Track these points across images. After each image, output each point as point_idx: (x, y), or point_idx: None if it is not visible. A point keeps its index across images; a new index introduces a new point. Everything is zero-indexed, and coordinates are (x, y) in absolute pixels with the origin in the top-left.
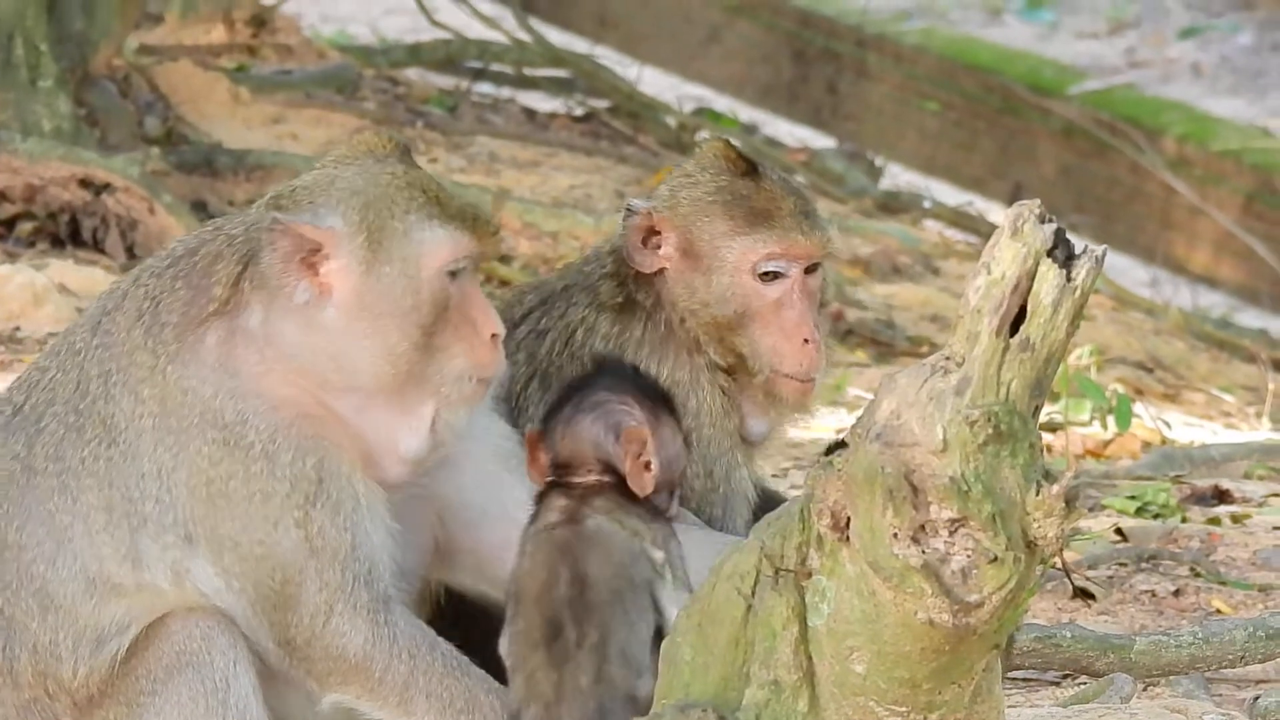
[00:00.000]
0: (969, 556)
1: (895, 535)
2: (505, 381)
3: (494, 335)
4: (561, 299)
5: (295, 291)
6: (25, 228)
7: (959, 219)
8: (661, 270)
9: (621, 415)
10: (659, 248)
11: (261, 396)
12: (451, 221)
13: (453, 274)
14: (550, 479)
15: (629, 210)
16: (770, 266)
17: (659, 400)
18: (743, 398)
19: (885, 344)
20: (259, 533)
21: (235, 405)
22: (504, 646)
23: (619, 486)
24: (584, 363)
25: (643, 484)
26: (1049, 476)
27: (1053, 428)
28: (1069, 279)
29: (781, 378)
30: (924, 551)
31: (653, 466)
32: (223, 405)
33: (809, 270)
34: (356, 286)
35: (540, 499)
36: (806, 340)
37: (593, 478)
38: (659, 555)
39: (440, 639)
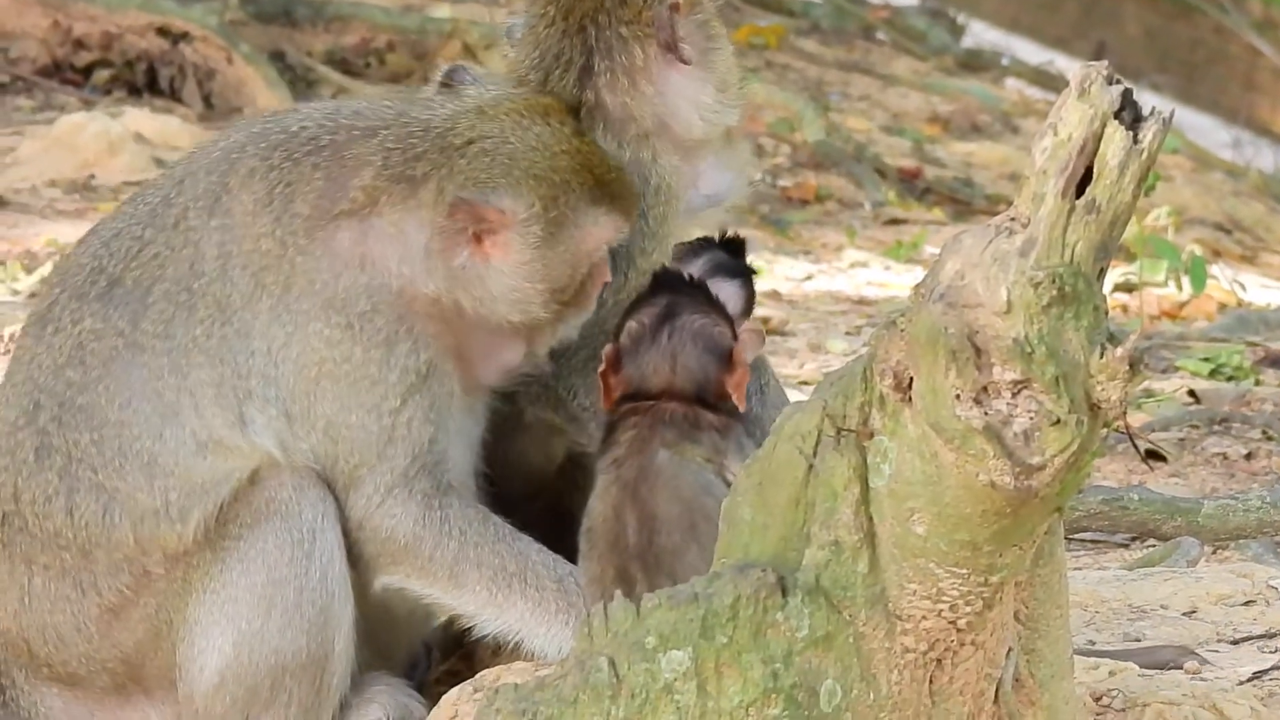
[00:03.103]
0: (1031, 419)
1: (958, 396)
2: None
3: (605, 284)
4: None
5: (457, 255)
6: (102, 75)
7: (1040, 78)
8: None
9: (719, 336)
10: (683, 40)
11: (395, 292)
12: (615, 206)
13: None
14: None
15: None
16: None
17: (716, 300)
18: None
19: (963, 202)
20: (353, 415)
21: (369, 297)
22: (581, 580)
23: (692, 407)
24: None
25: (743, 396)
26: (1113, 339)
27: (1128, 288)
28: (1136, 141)
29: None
30: (986, 413)
31: (747, 373)
32: (355, 296)
33: None
34: (517, 261)
35: (610, 426)
36: None
37: (671, 404)
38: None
39: (494, 515)
